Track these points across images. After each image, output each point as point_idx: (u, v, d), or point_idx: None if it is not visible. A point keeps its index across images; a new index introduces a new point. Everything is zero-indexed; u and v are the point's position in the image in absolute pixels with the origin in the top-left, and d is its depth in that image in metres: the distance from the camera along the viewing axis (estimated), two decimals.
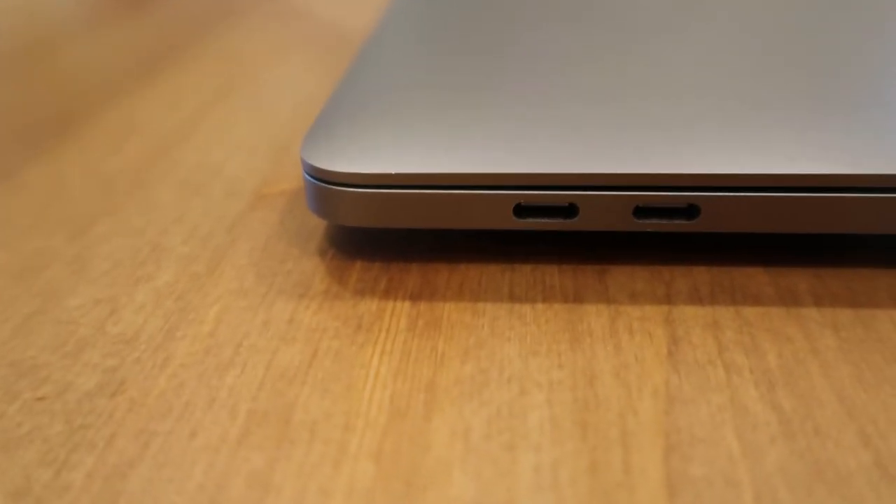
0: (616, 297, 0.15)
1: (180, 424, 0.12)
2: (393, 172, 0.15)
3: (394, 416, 0.12)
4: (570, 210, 0.15)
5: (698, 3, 0.24)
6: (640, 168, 0.15)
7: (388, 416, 0.12)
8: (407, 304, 0.15)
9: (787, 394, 0.12)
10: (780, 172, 0.15)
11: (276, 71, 0.29)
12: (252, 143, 0.23)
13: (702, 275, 0.16)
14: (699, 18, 0.22)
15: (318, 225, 0.18)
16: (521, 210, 0.15)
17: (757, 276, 0.16)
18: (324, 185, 0.16)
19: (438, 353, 0.14)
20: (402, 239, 0.17)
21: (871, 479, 0.11)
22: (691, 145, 0.15)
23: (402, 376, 0.13)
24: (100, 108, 0.26)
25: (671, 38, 0.20)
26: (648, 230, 0.15)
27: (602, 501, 0.11)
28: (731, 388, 0.13)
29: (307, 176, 0.16)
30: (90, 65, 0.30)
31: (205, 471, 0.11)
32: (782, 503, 0.11)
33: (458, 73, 0.19)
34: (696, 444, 0.12)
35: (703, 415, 0.12)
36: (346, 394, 0.13)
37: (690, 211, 0.15)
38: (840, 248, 0.16)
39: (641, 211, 0.15)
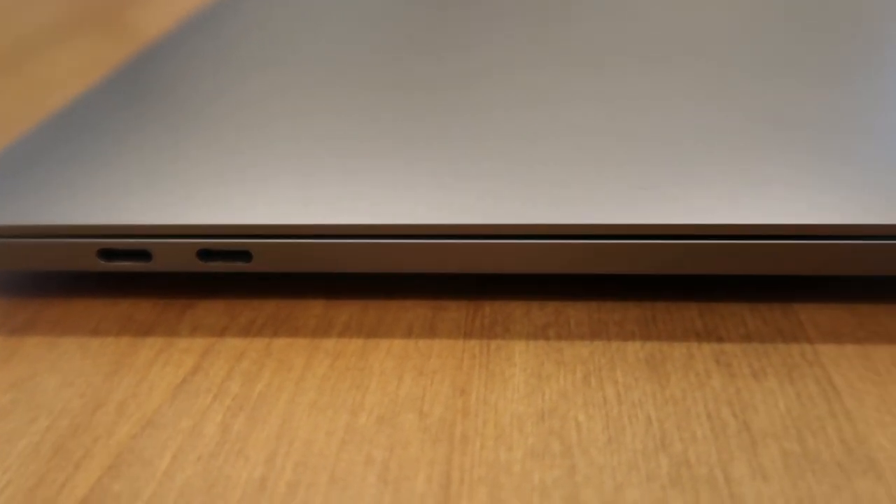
0: (180, 329, 0.18)
1: None
2: None
3: None
4: (145, 254, 0.18)
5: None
6: (195, 219, 0.17)
7: None
8: (0, 338, 0.18)
9: (244, 418, 0.15)
10: (303, 223, 0.17)
11: (63, 94, 0.31)
12: None
13: (268, 308, 0.18)
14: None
15: None
16: (107, 254, 0.18)
17: (313, 309, 0.18)
18: None
19: None
20: (58, 276, 0.20)
21: (248, 492, 0.13)
22: (243, 198, 0.18)
23: None
24: None
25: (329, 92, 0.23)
26: (216, 270, 0.18)
27: None
28: (204, 413, 0.15)
29: None
30: None
31: None
32: None
33: (123, 124, 0.21)
34: (134, 464, 0.14)
35: (161, 438, 0.15)
36: None
37: (245, 254, 0.18)
38: (390, 282, 0.19)
39: (205, 254, 0.18)
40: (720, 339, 0.16)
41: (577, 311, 0.17)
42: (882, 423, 0.14)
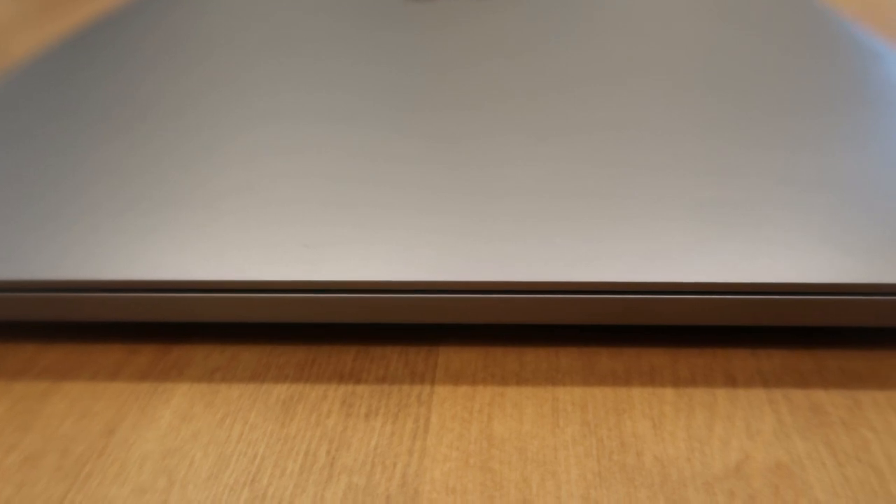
0: None
1: None
2: None
3: None
4: None
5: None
6: None
7: None
8: None
9: None
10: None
11: None
12: None
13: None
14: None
15: None
16: None
17: (24, 352, 0.20)
18: None
19: None
20: None
21: None
22: None
23: None
24: None
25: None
26: None
27: None
28: None
29: None
30: None
31: None
32: None
33: None
34: None
35: None
36: None
37: None
38: (100, 325, 0.21)
39: None
40: (358, 381, 0.18)
41: (250, 355, 0.20)
42: (446, 458, 0.16)
